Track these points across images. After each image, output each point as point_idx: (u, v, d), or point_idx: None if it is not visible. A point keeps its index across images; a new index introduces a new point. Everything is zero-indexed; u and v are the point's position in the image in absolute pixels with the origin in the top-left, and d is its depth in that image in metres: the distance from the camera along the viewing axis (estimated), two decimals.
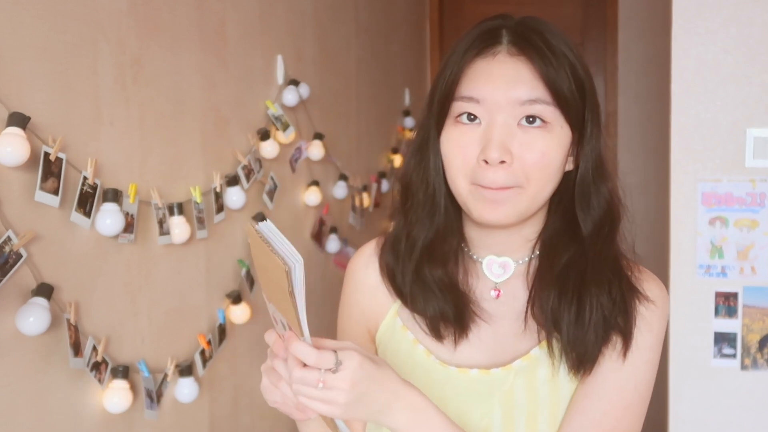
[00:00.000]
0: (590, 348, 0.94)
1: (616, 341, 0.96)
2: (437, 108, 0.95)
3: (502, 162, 0.89)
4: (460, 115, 0.92)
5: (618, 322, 0.95)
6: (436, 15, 3.85)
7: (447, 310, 0.98)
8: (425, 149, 0.98)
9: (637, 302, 0.97)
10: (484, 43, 0.93)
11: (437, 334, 0.99)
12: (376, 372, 0.83)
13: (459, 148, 0.92)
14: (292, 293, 0.75)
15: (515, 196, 0.91)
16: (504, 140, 0.89)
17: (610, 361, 0.96)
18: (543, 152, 0.90)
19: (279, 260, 0.73)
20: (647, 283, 0.99)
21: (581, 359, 0.95)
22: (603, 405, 0.96)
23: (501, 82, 0.90)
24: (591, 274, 0.95)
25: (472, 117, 0.91)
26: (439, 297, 0.98)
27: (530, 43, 0.90)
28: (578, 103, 0.92)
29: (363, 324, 1.06)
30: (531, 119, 0.90)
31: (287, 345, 0.80)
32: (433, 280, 0.98)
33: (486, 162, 0.89)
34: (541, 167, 0.90)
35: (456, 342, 0.99)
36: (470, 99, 0.91)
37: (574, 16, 3.72)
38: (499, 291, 1.00)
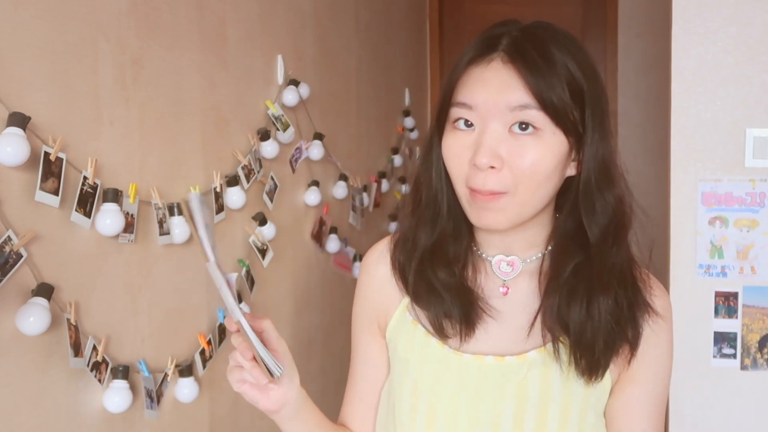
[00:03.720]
0: (599, 355, 0.96)
1: (625, 351, 0.98)
2: (437, 114, 0.98)
3: (492, 167, 0.91)
4: (456, 120, 0.95)
5: (626, 332, 0.97)
6: (436, 15, 3.84)
7: (451, 310, 1.00)
8: (430, 154, 1.02)
9: (646, 315, 0.99)
10: (481, 50, 0.95)
11: (441, 334, 1.01)
12: None
13: (455, 154, 0.95)
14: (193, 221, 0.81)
15: (505, 203, 0.93)
16: (494, 146, 0.91)
17: (639, 373, 1.00)
18: (533, 159, 0.91)
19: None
20: (656, 298, 1.01)
21: (590, 366, 0.97)
22: (649, 420, 1.01)
23: (492, 89, 0.92)
24: (598, 281, 0.96)
25: (468, 123, 0.94)
26: (444, 298, 1.00)
27: (523, 51, 0.92)
28: (572, 110, 0.92)
29: (374, 317, 1.10)
30: (523, 126, 0.91)
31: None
32: (436, 281, 1.01)
33: (476, 166, 0.92)
34: (530, 174, 0.92)
35: (462, 340, 1.01)
36: (464, 105, 0.93)
37: (574, 16, 3.72)
38: (508, 288, 1.03)
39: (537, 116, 0.91)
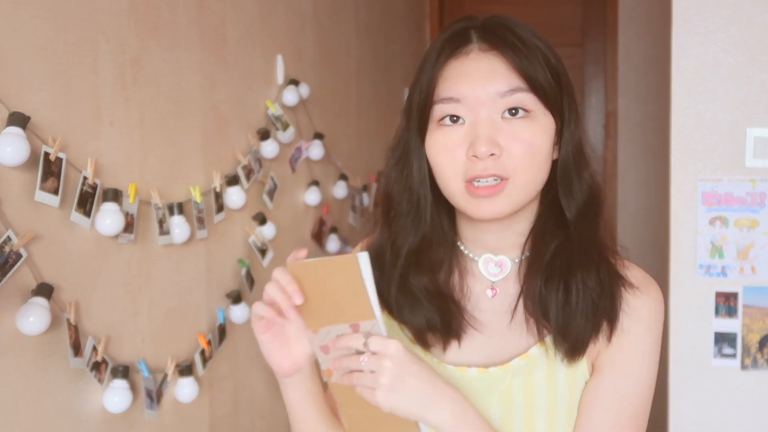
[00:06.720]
0: (581, 333, 0.94)
1: (605, 327, 0.96)
2: (417, 115, 0.95)
3: (493, 154, 0.90)
4: (443, 118, 0.93)
5: (605, 306, 0.95)
6: (436, 15, 3.84)
7: (434, 318, 0.97)
8: (406, 158, 0.98)
9: (622, 288, 0.97)
10: (455, 44, 0.94)
11: (424, 344, 0.99)
12: (419, 364, 0.87)
13: (447, 150, 0.92)
14: (362, 280, 0.82)
15: (509, 189, 0.91)
16: (491, 134, 0.90)
17: (607, 359, 0.96)
18: (530, 142, 0.91)
19: (343, 258, 0.81)
20: (632, 272, 0.99)
21: (573, 345, 0.94)
22: (608, 410, 0.96)
23: (478, 78, 0.91)
24: (577, 258, 0.95)
25: (455, 118, 0.92)
26: (426, 306, 0.97)
27: (500, 37, 0.92)
28: (555, 91, 0.93)
29: None
30: (514, 111, 0.91)
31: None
32: (419, 288, 0.98)
33: (476, 157, 0.90)
34: (529, 156, 0.91)
35: (445, 349, 0.99)
36: (450, 100, 0.92)
37: (574, 16, 3.71)
38: (496, 290, 1.00)
39: (527, 98, 0.91)
